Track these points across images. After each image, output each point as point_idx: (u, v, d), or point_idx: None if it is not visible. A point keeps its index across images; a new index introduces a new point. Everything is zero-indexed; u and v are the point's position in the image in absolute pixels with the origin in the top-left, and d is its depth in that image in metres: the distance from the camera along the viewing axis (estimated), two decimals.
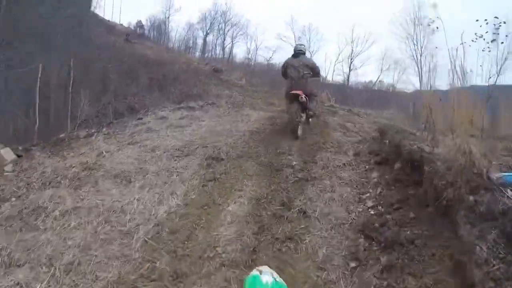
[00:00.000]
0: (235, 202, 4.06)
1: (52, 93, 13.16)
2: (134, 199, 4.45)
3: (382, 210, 3.59)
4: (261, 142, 5.80)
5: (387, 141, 4.41)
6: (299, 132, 5.75)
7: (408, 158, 3.55)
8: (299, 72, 5.90)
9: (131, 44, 22.90)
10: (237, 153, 5.34)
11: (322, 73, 24.09)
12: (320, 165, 4.77)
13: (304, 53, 6.32)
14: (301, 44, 6.54)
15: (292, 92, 5.70)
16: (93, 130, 8.06)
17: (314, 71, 6.13)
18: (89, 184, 4.89)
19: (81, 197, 4.59)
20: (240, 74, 17.17)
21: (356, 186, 4.19)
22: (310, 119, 6.37)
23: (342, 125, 6.99)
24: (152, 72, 16.25)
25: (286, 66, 6.14)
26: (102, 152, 6.08)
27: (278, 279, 1.69)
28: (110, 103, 11.46)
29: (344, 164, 4.73)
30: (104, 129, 8.14)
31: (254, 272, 1.71)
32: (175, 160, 5.50)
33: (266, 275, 1.66)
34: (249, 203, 4.02)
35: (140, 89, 13.86)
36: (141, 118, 8.54)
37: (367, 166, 4.58)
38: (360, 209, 3.75)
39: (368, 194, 3.97)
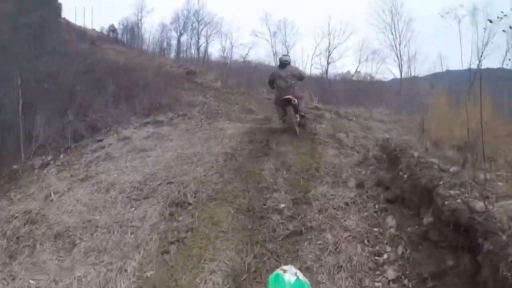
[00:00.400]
0: (205, 282, 2.84)
1: (8, 113, 11.42)
2: (74, 278, 3.23)
3: (410, 286, 2.45)
4: (238, 171, 4.56)
5: (404, 174, 3.23)
6: (297, 130, 5.88)
7: (448, 217, 2.38)
8: (287, 82, 6.06)
9: (102, 50, 21.03)
10: (208, 193, 4.09)
11: (301, 68, 23.34)
12: (316, 206, 3.58)
13: (289, 63, 6.43)
14: (286, 55, 6.71)
15: (285, 97, 5.91)
16: (49, 158, 7.00)
17: (300, 77, 6.38)
18: (25, 251, 3.77)
19: (12, 274, 3.46)
20: (215, 75, 15.68)
21: (368, 241, 3.04)
22: (302, 119, 6.29)
23: (333, 136, 5.84)
24: (120, 80, 14.55)
25: (274, 77, 6.27)
26: (51, 194, 4.90)
27: (302, 277, 1.51)
28: (70, 122, 9.89)
29: (347, 203, 3.55)
30: (61, 156, 7.04)
31: (278, 271, 1.52)
32: (131, 207, 4.25)
33: (290, 274, 1.48)
34: (225, 282, 2.81)
35: (107, 100, 12.31)
36: (102, 140, 7.30)
37: (377, 206, 3.43)
38: (379, 284, 2.59)
39: (386, 256, 2.82)
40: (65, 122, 9.97)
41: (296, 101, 5.87)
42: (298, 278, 1.52)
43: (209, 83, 14.28)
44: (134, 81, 14.08)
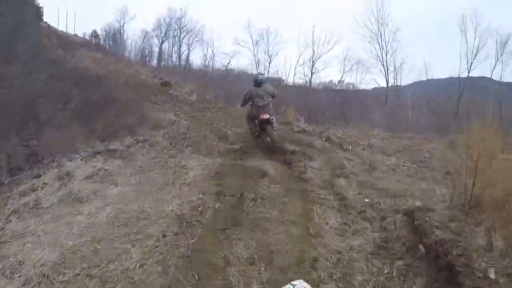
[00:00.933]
0: None
1: None
2: None
3: None
4: (190, 264, 2.80)
5: None
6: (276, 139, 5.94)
7: None
8: (264, 100, 6.16)
9: (76, 57, 18.93)
10: None
11: (283, 78, 22.49)
12: None
13: (264, 82, 6.41)
14: (261, 74, 7.27)
15: (265, 117, 5.95)
16: None
17: (274, 95, 6.43)
18: None
19: None
20: (191, 86, 13.85)
21: None
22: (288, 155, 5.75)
23: (330, 185, 4.20)
24: (88, 92, 12.52)
25: (250, 95, 6.29)
26: None
27: None
28: (13, 148, 7.87)
29: None
30: None
31: (288, 285, 1.57)
32: None
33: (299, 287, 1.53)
34: None
35: (65, 118, 10.36)
36: (40, 176, 5.61)
37: None
38: None
39: None
40: (7, 147, 7.96)
41: (273, 119, 6.00)
42: None
43: (184, 96, 12.44)
44: (101, 94, 12.10)
